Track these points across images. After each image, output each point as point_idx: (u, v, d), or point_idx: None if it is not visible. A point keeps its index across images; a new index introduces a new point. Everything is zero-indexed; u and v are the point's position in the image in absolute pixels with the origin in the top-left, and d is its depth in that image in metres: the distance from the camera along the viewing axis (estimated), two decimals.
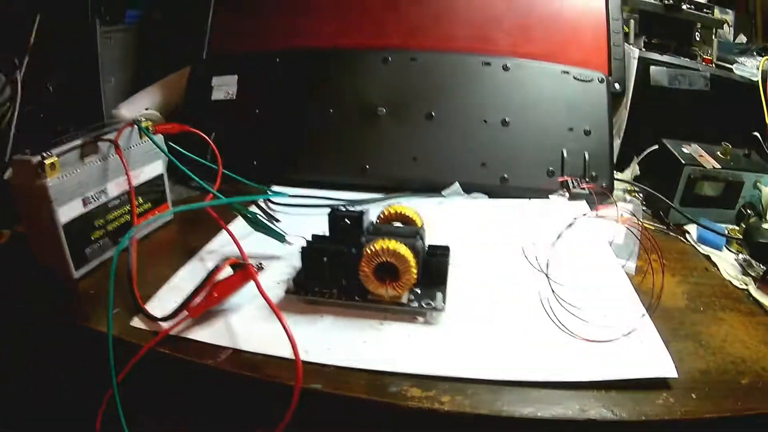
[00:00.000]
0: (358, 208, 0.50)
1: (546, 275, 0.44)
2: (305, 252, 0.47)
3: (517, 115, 0.73)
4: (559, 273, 0.48)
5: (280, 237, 0.55)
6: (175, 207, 0.64)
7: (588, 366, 0.41)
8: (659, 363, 0.41)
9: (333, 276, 0.46)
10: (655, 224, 0.68)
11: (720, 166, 0.67)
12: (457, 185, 0.69)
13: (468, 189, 0.70)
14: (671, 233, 0.67)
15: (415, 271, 0.43)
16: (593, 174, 0.71)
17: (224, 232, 0.53)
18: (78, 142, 0.50)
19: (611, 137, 0.74)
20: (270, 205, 0.67)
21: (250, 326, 0.45)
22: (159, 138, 0.58)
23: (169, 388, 0.47)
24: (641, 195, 0.74)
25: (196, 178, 0.57)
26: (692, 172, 0.67)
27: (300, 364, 0.38)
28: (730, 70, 0.84)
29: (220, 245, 0.57)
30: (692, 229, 0.67)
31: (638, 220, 0.64)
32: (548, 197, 0.68)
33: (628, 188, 0.76)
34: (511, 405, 0.38)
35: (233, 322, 0.45)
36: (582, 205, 0.67)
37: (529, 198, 0.69)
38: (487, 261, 0.55)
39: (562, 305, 0.46)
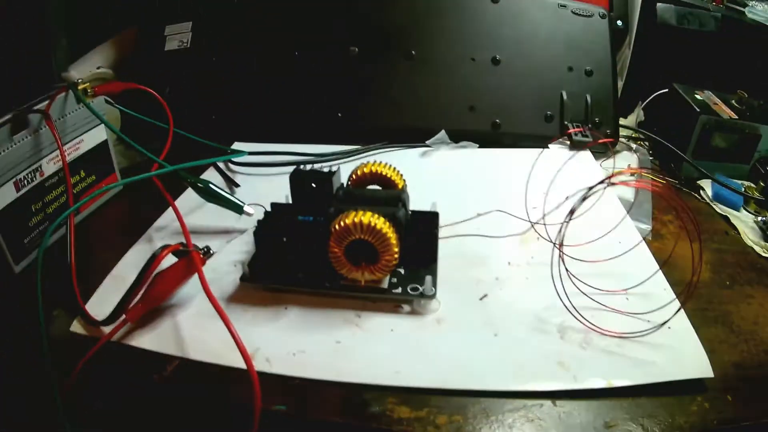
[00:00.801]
0: (327, 166, 0.40)
1: (560, 251, 0.35)
2: (259, 231, 0.38)
3: (509, 53, 0.64)
4: (571, 245, 0.40)
5: (237, 208, 0.45)
6: (124, 177, 0.55)
7: (613, 368, 0.33)
8: (695, 361, 0.34)
9: (296, 258, 0.37)
10: (666, 178, 0.60)
11: (737, 117, 0.60)
12: (443, 133, 0.60)
13: (455, 137, 0.61)
14: (684, 189, 0.59)
15: (396, 249, 0.34)
16: (596, 120, 0.62)
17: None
18: (6, 117, 0.41)
19: (615, 79, 0.65)
20: (231, 166, 0.57)
21: (201, 328, 0.36)
22: (99, 100, 0.50)
23: (118, 405, 0.38)
24: (648, 144, 0.66)
25: (135, 144, 0.48)
26: (707, 122, 0.59)
27: (257, 382, 0.29)
28: (742, 12, 0.75)
29: (170, 220, 0.47)
30: (706, 185, 0.59)
31: (660, 178, 0.57)
32: (547, 146, 0.60)
33: (633, 135, 0.67)
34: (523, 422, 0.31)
35: (182, 323, 0.36)
36: (587, 156, 0.59)
37: (525, 146, 0.60)
38: (483, 228, 0.46)
39: (577, 286, 0.37)
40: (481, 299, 0.38)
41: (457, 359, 0.34)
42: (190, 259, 0.36)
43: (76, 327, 0.37)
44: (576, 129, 0.60)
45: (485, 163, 0.58)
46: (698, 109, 0.59)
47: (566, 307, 0.36)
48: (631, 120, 0.70)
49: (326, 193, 0.38)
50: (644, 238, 0.46)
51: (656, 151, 0.66)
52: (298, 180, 0.39)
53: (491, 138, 0.62)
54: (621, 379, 0.33)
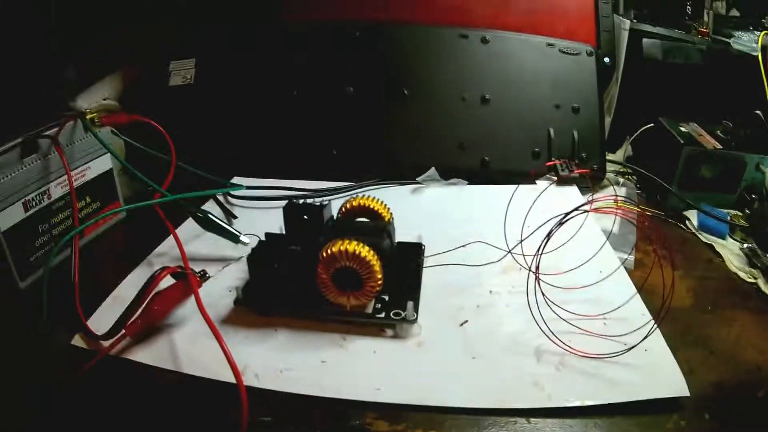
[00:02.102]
0: (318, 199, 0.43)
1: (535, 276, 0.37)
2: (252, 258, 0.40)
3: (497, 92, 0.67)
4: (551, 273, 0.42)
5: (233, 237, 0.48)
6: (127, 205, 0.58)
7: (588, 388, 0.35)
8: (670, 380, 0.35)
9: (287, 283, 0.39)
10: (652, 210, 0.62)
11: (721, 147, 0.61)
12: (433, 170, 0.62)
13: (446, 174, 0.63)
14: (670, 220, 0.60)
15: (380, 276, 0.37)
16: (583, 155, 0.65)
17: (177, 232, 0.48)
18: (17, 140, 0.44)
19: (602, 115, 0.67)
20: (229, 199, 0.59)
21: (195, 345, 0.38)
22: (106, 131, 0.53)
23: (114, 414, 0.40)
24: (635, 178, 0.68)
25: (138, 174, 0.51)
26: (692, 153, 0.61)
27: (245, 395, 0.31)
28: (727, 44, 0.78)
29: (170, 247, 0.50)
30: (692, 215, 0.61)
31: (636, 206, 0.58)
32: (535, 182, 0.62)
33: (621, 170, 0.69)
34: None
35: (177, 340, 0.39)
36: (573, 191, 0.61)
37: (514, 183, 0.62)
38: (467, 258, 0.48)
39: (555, 311, 0.39)
40: (461, 325, 0.40)
41: (435, 379, 0.35)
42: (188, 281, 0.38)
43: (78, 341, 0.39)
44: (563, 164, 0.62)
45: (473, 199, 0.60)
46: (682, 141, 0.61)
47: (542, 331, 0.37)
48: (619, 155, 0.72)
49: (317, 225, 0.41)
50: (626, 269, 0.48)
51: (643, 185, 0.67)
52: (291, 212, 0.41)
53: (481, 175, 0.64)
54: (596, 398, 0.34)
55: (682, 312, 0.44)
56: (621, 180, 0.67)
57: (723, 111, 0.67)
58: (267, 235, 0.42)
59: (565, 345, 0.37)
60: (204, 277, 0.40)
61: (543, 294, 0.38)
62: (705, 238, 0.57)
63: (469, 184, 0.63)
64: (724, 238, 0.57)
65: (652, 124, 0.69)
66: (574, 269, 0.45)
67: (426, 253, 0.45)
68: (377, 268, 0.36)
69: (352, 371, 0.36)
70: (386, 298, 0.40)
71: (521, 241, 0.44)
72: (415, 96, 0.67)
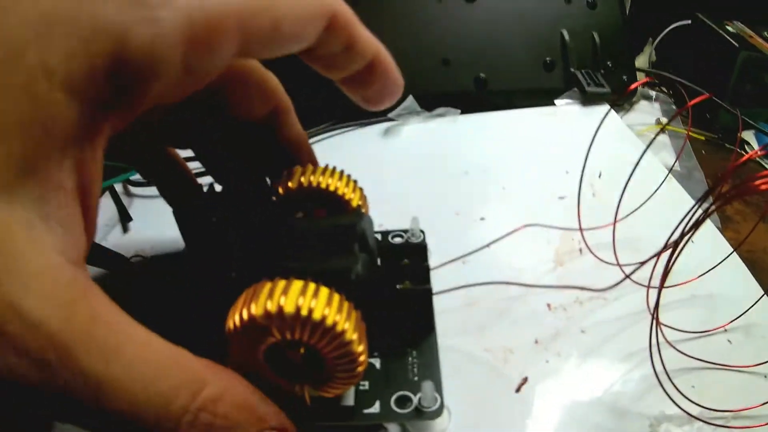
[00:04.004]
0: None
1: (654, 316, 0.20)
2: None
3: None
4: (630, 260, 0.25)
5: (117, 265, 0.28)
6: None
7: None
8: None
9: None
10: (706, 133, 0.46)
11: None
12: (410, 100, 0.43)
13: (428, 103, 0.45)
14: (727, 145, 0.45)
15: (360, 350, 0.18)
16: (608, 63, 0.47)
17: None
18: None
19: (623, 8, 0.50)
20: (130, 188, 0.39)
21: None
22: None
23: None
24: (667, 91, 0.52)
25: None
26: (750, 59, 0.46)
27: None
28: None
29: None
30: (750, 138, 0.46)
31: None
32: (553, 102, 0.45)
33: (648, 81, 0.53)
34: None
35: None
36: (609, 114, 0.44)
37: (522, 107, 0.45)
38: (499, 252, 0.30)
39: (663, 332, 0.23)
40: (518, 390, 0.23)
41: None
42: None
43: None
44: (586, 76, 0.45)
45: (475, 136, 0.42)
46: (737, 44, 0.46)
47: (662, 387, 0.21)
48: (642, 61, 0.55)
49: (233, 234, 0.22)
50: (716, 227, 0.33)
51: (678, 99, 0.52)
52: (187, 215, 0.23)
53: (476, 99, 0.46)
54: None
55: None
56: (653, 93, 0.51)
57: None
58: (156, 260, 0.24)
59: (693, 404, 0.21)
60: None
61: (655, 318, 0.22)
62: None
63: (462, 113, 0.45)
64: None
65: (687, 22, 0.53)
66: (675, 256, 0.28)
67: (432, 260, 0.27)
68: (353, 336, 0.17)
69: None
70: (377, 365, 0.22)
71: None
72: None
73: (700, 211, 0.19)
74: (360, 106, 0.22)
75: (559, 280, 0.28)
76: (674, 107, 0.50)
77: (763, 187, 0.18)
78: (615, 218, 0.24)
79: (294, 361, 0.19)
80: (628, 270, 0.24)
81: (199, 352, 0.16)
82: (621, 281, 0.23)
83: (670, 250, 0.18)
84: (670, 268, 0.18)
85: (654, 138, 0.23)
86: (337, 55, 0.19)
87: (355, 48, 0.19)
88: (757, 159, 0.43)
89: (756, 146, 0.45)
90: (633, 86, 0.25)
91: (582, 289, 0.26)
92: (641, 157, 0.21)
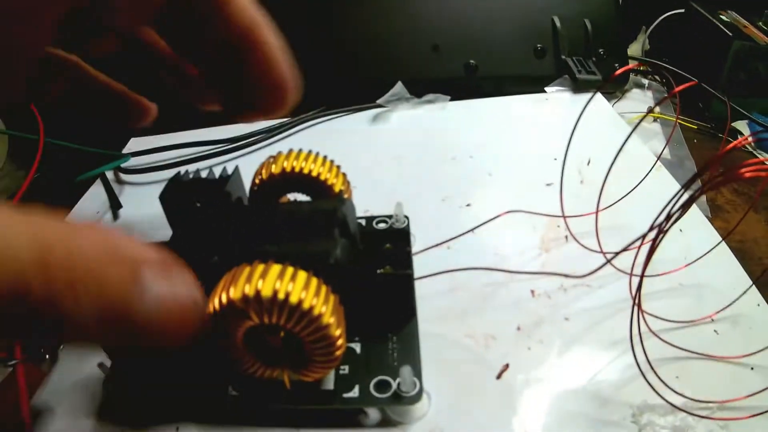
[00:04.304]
0: (219, 168, 0.24)
1: (636, 302, 0.20)
2: None
3: None
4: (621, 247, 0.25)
5: None
6: None
7: None
8: None
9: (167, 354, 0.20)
10: (693, 121, 0.46)
11: None
12: (399, 86, 0.43)
13: (418, 89, 0.44)
14: (720, 135, 0.45)
15: (338, 334, 0.18)
16: (600, 51, 0.47)
17: None
18: None
19: None
20: (120, 175, 0.39)
21: None
22: None
23: None
24: (660, 79, 0.52)
25: None
26: (743, 49, 0.45)
27: None
28: None
29: None
30: (742, 127, 0.46)
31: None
32: (544, 90, 0.45)
33: (642, 69, 0.53)
34: None
35: None
36: (598, 99, 0.44)
37: (512, 93, 0.45)
38: (484, 239, 0.29)
39: (645, 320, 0.22)
40: (499, 377, 0.22)
41: None
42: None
43: None
44: (578, 63, 0.45)
45: (464, 122, 0.42)
46: (730, 33, 0.46)
47: (644, 377, 0.21)
48: (635, 49, 0.55)
49: (217, 219, 0.22)
50: (705, 216, 0.32)
51: (670, 88, 0.51)
52: (172, 199, 0.22)
53: (466, 85, 0.46)
54: None
55: None
56: (645, 81, 0.50)
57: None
58: None
59: (676, 394, 0.21)
60: (44, 360, 0.22)
61: (642, 314, 0.21)
62: (762, 156, 0.42)
63: (451, 99, 0.44)
64: None
65: (680, 11, 0.53)
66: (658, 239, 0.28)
67: (416, 245, 0.27)
68: (330, 319, 0.17)
69: None
70: (357, 349, 0.22)
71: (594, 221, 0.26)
72: None
73: (686, 197, 0.18)
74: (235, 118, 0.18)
75: (543, 266, 0.27)
76: (666, 95, 0.50)
77: (748, 174, 0.18)
78: (597, 206, 0.23)
79: (274, 346, 0.19)
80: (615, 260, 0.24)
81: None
82: (601, 266, 0.23)
83: (653, 237, 0.18)
84: (653, 253, 0.18)
85: (638, 123, 0.23)
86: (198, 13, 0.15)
87: (227, 7, 0.15)
88: (749, 148, 0.43)
89: (749, 138, 0.45)
90: (619, 71, 0.24)
91: (562, 275, 0.26)
92: (625, 142, 0.20)
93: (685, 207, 0.18)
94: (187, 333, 0.14)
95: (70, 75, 0.22)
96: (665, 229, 0.18)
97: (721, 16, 0.49)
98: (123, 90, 0.24)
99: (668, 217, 0.18)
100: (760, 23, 0.50)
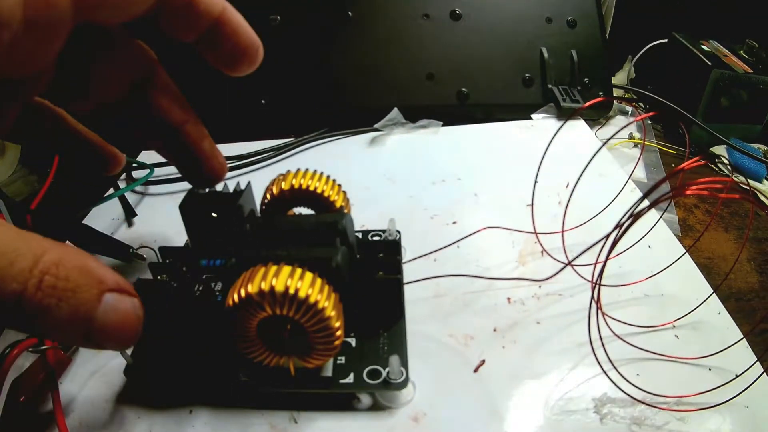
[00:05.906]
0: (233, 184, 0.27)
1: (595, 301, 0.23)
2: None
3: (471, 4, 0.50)
4: (584, 262, 0.27)
5: (122, 254, 0.31)
6: None
7: None
8: None
9: (196, 339, 0.24)
10: (672, 146, 0.49)
11: (751, 70, 0.50)
12: (395, 112, 0.46)
13: (413, 114, 0.47)
14: (701, 159, 0.48)
15: (338, 325, 0.21)
16: (585, 80, 0.50)
17: None
18: None
19: (603, 28, 0.53)
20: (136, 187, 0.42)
21: None
22: None
23: None
24: (644, 106, 0.55)
25: None
26: (722, 78, 0.49)
27: None
28: None
29: None
30: (721, 152, 0.48)
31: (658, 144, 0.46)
32: (530, 117, 0.48)
33: (626, 96, 0.56)
34: None
35: None
36: (580, 126, 0.47)
37: (502, 120, 0.48)
38: (465, 249, 0.33)
39: (609, 326, 0.25)
40: (476, 371, 0.25)
41: None
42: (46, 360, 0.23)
43: None
44: (563, 92, 0.48)
45: (454, 146, 0.45)
46: (710, 63, 0.49)
47: (606, 374, 0.24)
48: (621, 78, 0.58)
49: (232, 227, 0.25)
50: (674, 234, 0.35)
51: (655, 115, 0.54)
52: (191, 210, 0.25)
53: (458, 111, 0.49)
54: None
55: (750, 294, 0.32)
56: (629, 109, 0.53)
57: (740, 27, 0.56)
58: (162, 251, 0.26)
59: (636, 388, 0.24)
60: (71, 347, 0.26)
61: (603, 312, 0.24)
62: (739, 180, 0.45)
63: (444, 125, 0.47)
64: (760, 181, 0.46)
65: (664, 40, 0.56)
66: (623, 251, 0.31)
67: (406, 256, 0.31)
68: (331, 312, 0.21)
69: None
70: (352, 343, 0.25)
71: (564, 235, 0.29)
72: (363, 17, 0.49)
73: (658, 216, 0.21)
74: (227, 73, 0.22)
75: (520, 277, 0.30)
76: (650, 122, 0.53)
77: (687, 192, 0.21)
78: (563, 224, 0.26)
79: (282, 337, 0.22)
80: (579, 269, 0.26)
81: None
82: (561, 270, 0.26)
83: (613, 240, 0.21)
84: (608, 258, 0.21)
85: (601, 146, 0.26)
86: (179, 13, 0.20)
87: (198, 6, 0.20)
88: (726, 171, 0.46)
89: (727, 160, 0.48)
90: (589, 103, 0.27)
91: (529, 280, 0.29)
92: (588, 164, 0.24)
93: (636, 216, 0.21)
94: (131, 340, 0.17)
95: (53, 126, 0.25)
96: (618, 237, 0.21)
97: (703, 46, 0.52)
98: (100, 143, 0.27)
99: (618, 226, 0.21)
100: (741, 52, 0.53)
